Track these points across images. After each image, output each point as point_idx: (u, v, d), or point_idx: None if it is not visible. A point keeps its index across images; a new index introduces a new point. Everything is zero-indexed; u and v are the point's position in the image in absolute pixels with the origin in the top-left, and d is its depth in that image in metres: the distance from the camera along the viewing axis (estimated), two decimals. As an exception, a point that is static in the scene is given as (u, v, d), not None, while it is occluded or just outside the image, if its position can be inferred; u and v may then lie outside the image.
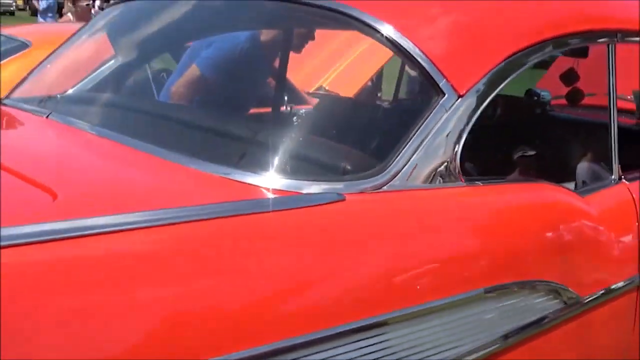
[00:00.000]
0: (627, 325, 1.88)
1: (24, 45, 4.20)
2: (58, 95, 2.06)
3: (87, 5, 6.70)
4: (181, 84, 2.48)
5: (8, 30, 4.76)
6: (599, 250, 1.75)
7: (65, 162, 1.52)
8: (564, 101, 3.10)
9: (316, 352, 1.13)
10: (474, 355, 1.40)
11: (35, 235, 1.02)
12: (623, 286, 1.80)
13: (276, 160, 1.44)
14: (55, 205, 1.16)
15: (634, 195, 1.91)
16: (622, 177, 1.95)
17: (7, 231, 1.00)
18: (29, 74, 2.32)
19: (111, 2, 2.58)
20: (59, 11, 10.83)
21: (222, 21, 2.38)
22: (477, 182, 1.58)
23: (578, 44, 1.91)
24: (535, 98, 3.21)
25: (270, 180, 1.36)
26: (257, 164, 1.42)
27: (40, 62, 2.36)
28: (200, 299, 1.07)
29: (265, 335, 1.09)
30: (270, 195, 1.32)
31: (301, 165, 1.47)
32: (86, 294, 1.00)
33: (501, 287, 1.46)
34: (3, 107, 2.00)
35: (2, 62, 4.14)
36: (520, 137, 2.22)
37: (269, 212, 1.25)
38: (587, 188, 1.91)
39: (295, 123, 1.72)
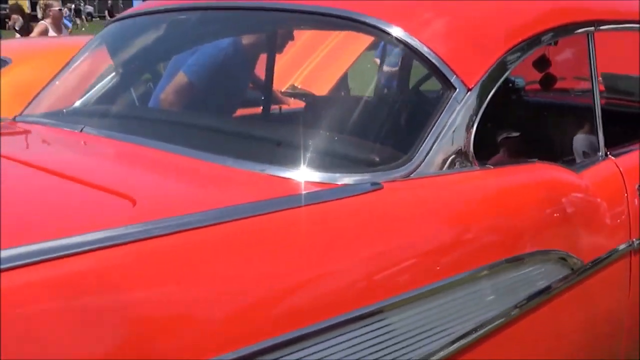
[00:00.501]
0: (624, 287, 2.09)
1: (3, 63, 4.25)
2: (83, 109, 2.20)
3: (60, 10, 6.86)
4: (169, 91, 2.61)
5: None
6: (596, 219, 1.95)
7: (121, 170, 1.67)
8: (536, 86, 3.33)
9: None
10: (497, 322, 1.58)
11: (136, 234, 1.17)
12: (619, 251, 2.00)
13: (310, 156, 1.61)
14: (138, 210, 1.31)
15: (620, 169, 2.12)
16: (608, 153, 2.16)
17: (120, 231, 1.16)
18: (40, 92, 2.44)
19: (108, 19, 2.72)
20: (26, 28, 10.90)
21: (221, 30, 2.54)
22: (488, 166, 1.77)
23: (563, 35, 2.11)
24: (510, 85, 3.42)
25: (306, 174, 1.53)
26: (293, 160, 1.58)
27: (51, 80, 2.48)
28: (278, 280, 1.23)
29: (331, 309, 1.26)
30: (316, 188, 1.48)
31: (332, 159, 1.63)
32: (176, 284, 1.15)
33: (518, 257, 1.65)
34: (32, 125, 2.13)
35: None
36: (517, 124, 2.42)
37: (322, 202, 1.41)
38: (580, 164, 2.11)
39: (322, 120, 1.88)
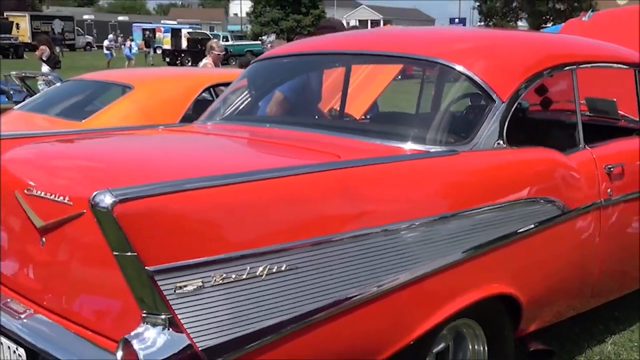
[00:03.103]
0: (595, 229, 3.40)
1: (127, 89, 5.56)
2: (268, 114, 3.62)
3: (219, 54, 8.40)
4: (272, 105, 4.02)
5: (105, 76, 6.16)
6: (577, 184, 3.28)
7: (319, 142, 3.02)
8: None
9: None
10: (506, 240, 2.89)
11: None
12: (591, 204, 3.33)
13: (414, 135, 2.98)
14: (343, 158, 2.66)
15: (593, 155, 3.46)
16: (585, 145, 3.50)
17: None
18: (217, 103, 3.83)
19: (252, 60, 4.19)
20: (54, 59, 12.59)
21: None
22: (513, 147, 3.11)
23: (557, 71, 3.47)
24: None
25: (414, 146, 2.90)
26: (404, 139, 2.95)
27: (222, 95, 3.88)
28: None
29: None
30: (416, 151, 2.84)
31: (425, 138, 2.99)
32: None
33: (531, 198, 2.99)
34: (225, 124, 3.50)
35: (109, 105, 5.49)
36: (528, 126, 3.79)
37: (428, 158, 2.77)
38: (568, 151, 3.43)
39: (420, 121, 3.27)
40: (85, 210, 2.39)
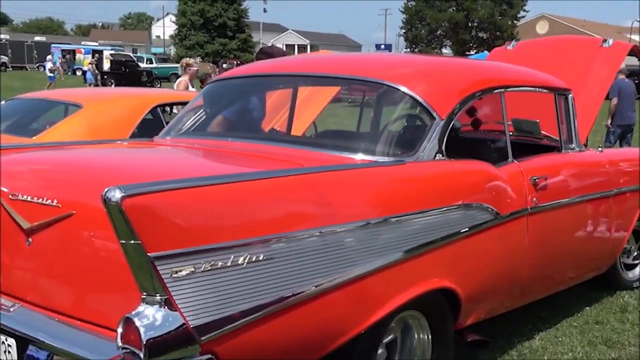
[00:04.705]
0: (523, 233, 3.88)
1: (76, 107, 5.82)
2: (225, 129, 3.97)
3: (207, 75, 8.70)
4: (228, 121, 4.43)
5: (53, 95, 6.37)
6: (506, 193, 3.76)
7: (280, 153, 3.39)
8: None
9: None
10: (446, 241, 3.32)
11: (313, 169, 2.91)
12: (519, 211, 3.81)
13: (364, 147, 3.40)
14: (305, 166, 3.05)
15: (520, 168, 3.95)
16: (514, 159, 3.99)
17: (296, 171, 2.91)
18: (176, 120, 4.17)
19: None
20: None
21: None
22: (452, 159, 3.56)
23: (487, 93, 3.96)
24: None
25: (364, 157, 3.31)
26: (355, 150, 3.37)
27: (181, 113, 4.22)
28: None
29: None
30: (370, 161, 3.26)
31: (375, 150, 3.40)
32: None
33: (468, 203, 3.44)
34: (186, 138, 3.84)
35: (59, 123, 5.73)
36: (464, 142, 4.27)
37: (375, 167, 3.20)
38: (498, 164, 3.91)
39: (368, 135, 3.69)
40: (74, 211, 2.72)
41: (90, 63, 34.81)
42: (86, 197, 2.69)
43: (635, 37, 55.18)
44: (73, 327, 2.73)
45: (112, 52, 46.70)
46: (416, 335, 3.36)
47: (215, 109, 4.37)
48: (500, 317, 4.08)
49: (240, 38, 60.72)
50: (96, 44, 58.70)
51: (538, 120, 4.71)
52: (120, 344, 2.35)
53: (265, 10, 72.25)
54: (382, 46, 64.86)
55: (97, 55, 45.60)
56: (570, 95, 4.56)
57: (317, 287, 2.70)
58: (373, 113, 4.35)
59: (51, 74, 33.34)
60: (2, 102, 6.39)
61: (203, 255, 2.37)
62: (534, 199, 3.91)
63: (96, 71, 34.42)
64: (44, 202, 2.81)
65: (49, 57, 39.32)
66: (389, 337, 3.22)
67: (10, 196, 2.94)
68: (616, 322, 4.65)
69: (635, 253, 5.44)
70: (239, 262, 2.45)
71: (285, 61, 4.65)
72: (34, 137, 5.44)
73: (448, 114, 3.56)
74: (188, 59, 9.35)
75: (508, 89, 4.08)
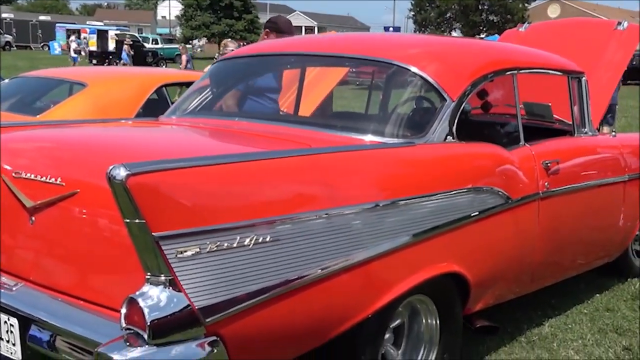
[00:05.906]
0: (535, 218, 3.85)
1: (80, 86, 5.81)
2: (231, 109, 3.93)
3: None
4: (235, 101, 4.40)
5: (58, 73, 6.35)
6: (517, 176, 3.73)
7: (287, 134, 3.37)
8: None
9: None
10: (455, 224, 3.29)
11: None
12: (530, 195, 3.78)
13: (373, 128, 3.37)
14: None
15: (533, 152, 3.92)
16: (525, 143, 3.95)
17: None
18: (181, 100, 4.13)
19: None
20: None
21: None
22: (463, 141, 3.52)
23: (499, 75, 3.91)
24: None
25: (373, 138, 3.28)
26: (366, 132, 3.34)
27: (186, 92, 4.19)
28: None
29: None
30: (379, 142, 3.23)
31: (384, 131, 3.37)
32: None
33: (478, 187, 3.41)
34: (193, 118, 3.81)
35: (64, 101, 5.72)
36: (475, 124, 4.23)
37: (384, 149, 3.16)
38: (510, 147, 3.88)
39: (378, 117, 3.65)
40: (78, 190, 2.71)
41: (126, 44, 34.54)
42: (90, 175, 2.67)
43: (648, 22, 54.71)
44: (76, 307, 2.72)
45: (118, 32, 46.56)
46: (424, 320, 3.34)
47: (222, 89, 4.33)
48: (509, 303, 4.06)
49: (246, 19, 60.32)
50: (101, 23, 58.42)
51: (550, 104, 4.67)
52: (124, 325, 2.34)
53: (272, -9, 71.77)
54: (391, 29, 64.38)
55: (130, 35, 45.45)
56: (584, 78, 4.50)
57: (323, 269, 2.68)
58: (382, 94, 4.31)
59: (75, 55, 33.29)
60: (6, 81, 6.37)
61: (209, 236, 2.35)
62: (546, 184, 3.88)
63: (131, 52, 34.16)
64: (47, 180, 2.79)
65: (72, 37, 39.36)
66: (397, 322, 3.21)
67: (13, 174, 2.92)
68: (627, 309, 4.63)
69: (647, 240, 5.42)
70: (245, 243, 2.43)
71: (293, 40, 4.61)
72: (38, 116, 5.43)
73: (459, 96, 3.52)
74: (227, 39, 9.33)
75: (520, 71, 4.03)
